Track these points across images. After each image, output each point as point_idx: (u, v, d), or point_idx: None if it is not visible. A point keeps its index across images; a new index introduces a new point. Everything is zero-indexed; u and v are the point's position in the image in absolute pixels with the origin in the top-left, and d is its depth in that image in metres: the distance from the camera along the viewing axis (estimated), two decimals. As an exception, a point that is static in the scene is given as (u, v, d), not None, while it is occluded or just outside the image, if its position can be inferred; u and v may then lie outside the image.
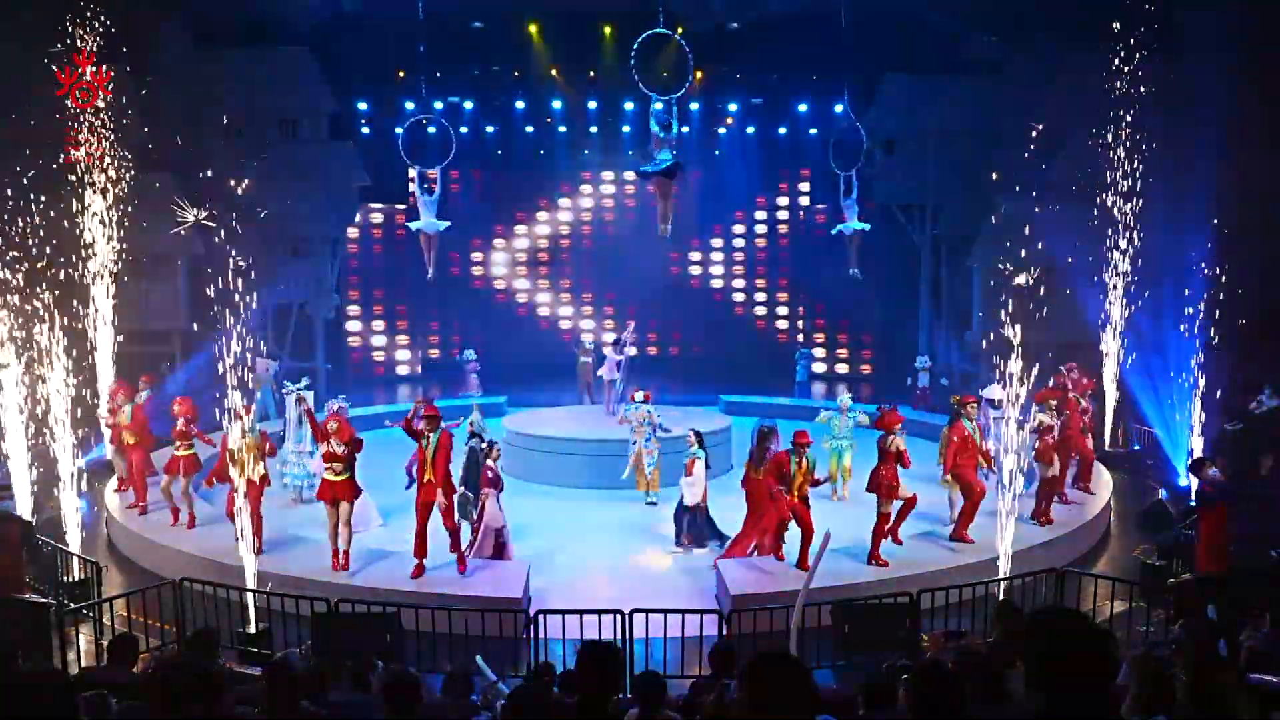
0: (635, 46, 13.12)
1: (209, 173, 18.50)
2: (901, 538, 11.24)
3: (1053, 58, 18.24)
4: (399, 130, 15.60)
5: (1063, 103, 17.80)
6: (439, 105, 23.55)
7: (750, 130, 24.86)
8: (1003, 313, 10.93)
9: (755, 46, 22.31)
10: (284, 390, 14.87)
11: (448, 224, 14.98)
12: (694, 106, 24.39)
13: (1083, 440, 13.67)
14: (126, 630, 8.62)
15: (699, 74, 22.14)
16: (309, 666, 5.33)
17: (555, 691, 6.07)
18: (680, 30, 14.15)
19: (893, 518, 10.90)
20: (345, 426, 10.93)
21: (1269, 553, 10.10)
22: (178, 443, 12.20)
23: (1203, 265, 14.58)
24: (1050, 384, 13.62)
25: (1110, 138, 16.13)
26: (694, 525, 11.86)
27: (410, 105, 22.74)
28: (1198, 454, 13.37)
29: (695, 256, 26.63)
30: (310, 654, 8.14)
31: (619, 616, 8.57)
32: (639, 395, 14.35)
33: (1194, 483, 10.90)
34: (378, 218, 25.37)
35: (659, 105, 13.09)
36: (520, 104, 24.22)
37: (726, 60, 22.90)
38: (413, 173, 14.71)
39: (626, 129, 24.31)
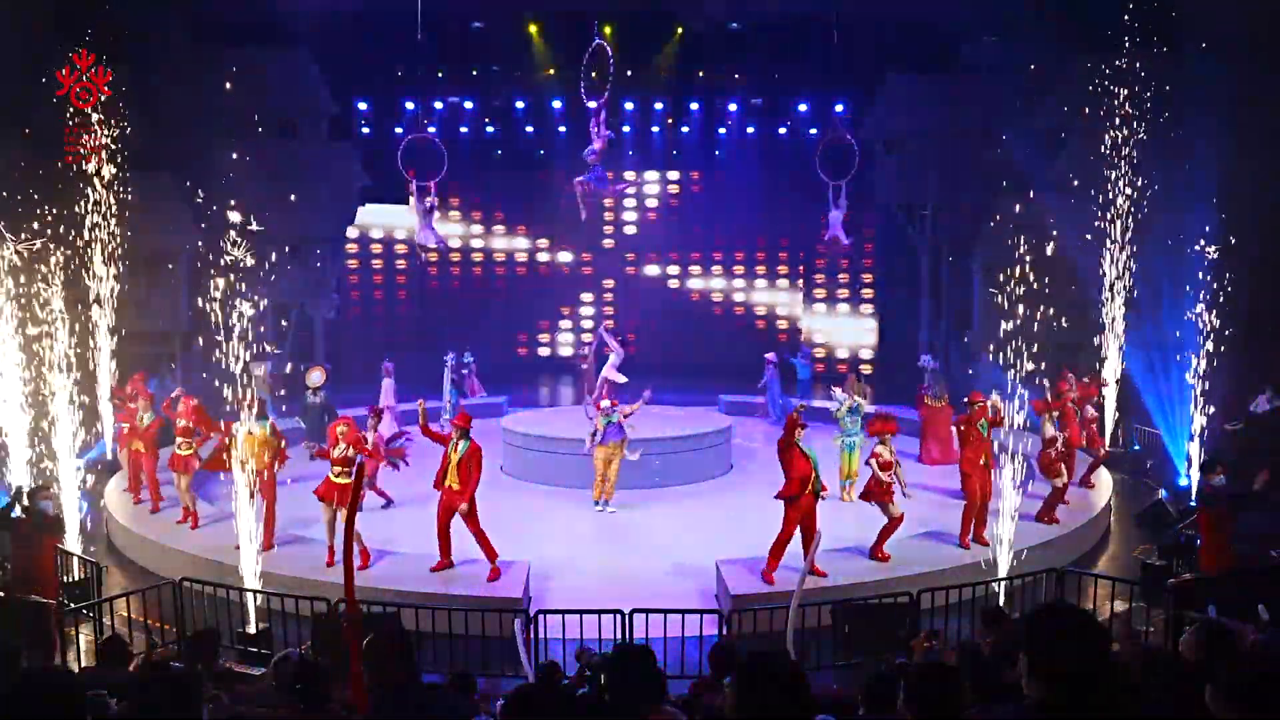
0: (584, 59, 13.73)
1: (208, 172, 18.47)
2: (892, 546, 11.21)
3: (1052, 56, 18.20)
4: (399, 130, 15.70)
5: (1063, 101, 17.78)
6: (438, 105, 23.55)
7: (750, 130, 24.84)
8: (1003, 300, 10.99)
9: (755, 47, 22.28)
10: (448, 360, 18.52)
11: (437, 245, 16.68)
12: (694, 107, 24.39)
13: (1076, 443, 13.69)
14: (127, 630, 8.63)
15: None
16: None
17: (559, 691, 6.05)
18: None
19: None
20: (352, 429, 11.11)
21: (1269, 553, 10.11)
22: (179, 441, 12.19)
23: (1204, 263, 14.55)
24: (1053, 392, 13.65)
25: (1110, 136, 16.11)
26: None
27: (410, 105, 22.72)
28: (1196, 454, 13.40)
29: (695, 256, 26.59)
30: (310, 654, 8.14)
31: (619, 616, 8.56)
32: (605, 402, 13.95)
33: (1195, 483, 10.88)
34: (377, 219, 25.31)
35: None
36: (520, 104, 24.20)
37: (727, 60, 22.89)
38: (412, 186, 15.04)
39: (626, 129, 24.28)
